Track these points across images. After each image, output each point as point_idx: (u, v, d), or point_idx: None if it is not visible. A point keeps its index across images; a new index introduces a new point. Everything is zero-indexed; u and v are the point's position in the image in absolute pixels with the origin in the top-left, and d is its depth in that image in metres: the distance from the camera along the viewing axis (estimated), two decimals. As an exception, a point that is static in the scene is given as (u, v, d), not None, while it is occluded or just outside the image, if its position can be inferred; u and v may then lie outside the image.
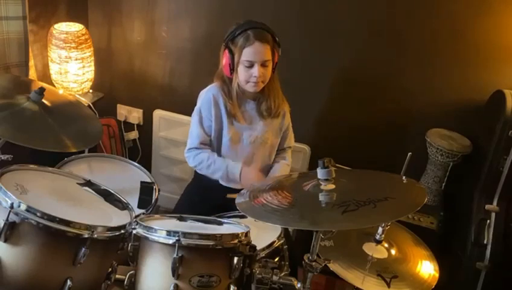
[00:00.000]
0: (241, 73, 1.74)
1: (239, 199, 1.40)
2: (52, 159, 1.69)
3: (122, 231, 1.25)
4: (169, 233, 1.20)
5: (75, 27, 2.25)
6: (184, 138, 2.53)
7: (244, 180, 1.82)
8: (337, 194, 1.29)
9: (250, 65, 1.71)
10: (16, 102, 1.52)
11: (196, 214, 1.48)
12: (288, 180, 1.60)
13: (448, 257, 2.00)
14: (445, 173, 2.14)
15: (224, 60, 1.76)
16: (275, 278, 1.32)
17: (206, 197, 1.94)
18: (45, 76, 2.33)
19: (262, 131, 1.89)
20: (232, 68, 1.74)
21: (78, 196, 1.39)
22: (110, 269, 1.28)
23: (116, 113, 2.69)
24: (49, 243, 1.13)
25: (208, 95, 1.84)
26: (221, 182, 1.92)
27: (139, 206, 1.66)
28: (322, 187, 1.32)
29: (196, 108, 1.88)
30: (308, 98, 2.31)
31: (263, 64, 1.72)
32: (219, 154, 1.90)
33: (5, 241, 1.09)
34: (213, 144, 1.90)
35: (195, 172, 2.05)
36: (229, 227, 1.41)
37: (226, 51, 1.74)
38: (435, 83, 2.18)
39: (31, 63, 2.16)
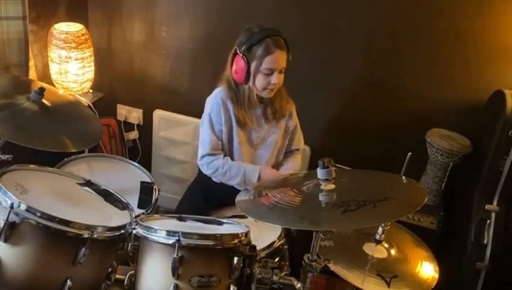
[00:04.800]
0: (260, 81, 1.74)
1: (240, 198, 1.40)
2: (52, 159, 1.69)
3: (122, 231, 1.25)
4: (169, 233, 1.20)
5: (75, 27, 2.25)
6: (184, 138, 2.56)
7: (264, 180, 1.80)
8: (337, 194, 1.29)
9: (270, 73, 1.72)
10: (16, 102, 1.52)
11: (199, 214, 1.48)
12: (294, 179, 1.61)
13: (448, 257, 1.99)
14: (445, 173, 2.13)
15: (237, 66, 1.74)
16: (275, 278, 1.32)
17: (209, 197, 1.94)
18: (45, 76, 2.33)
19: (270, 132, 1.90)
20: (248, 76, 1.73)
21: (78, 196, 1.39)
22: (110, 269, 1.28)
23: (116, 113, 2.69)
24: (49, 243, 1.13)
25: (216, 100, 1.82)
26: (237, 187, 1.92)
27: (139, 206, 1.66)
28: (322, 187, 1.32)
29: (205, 114, 1.86)
30: (308, 98, 2.31)
31: (280, 72, 1.74)
32: (231, 157, 1.89)
33: (5, 241, 1.09)
34: (225, 148, 1.89)
35: (199, 172, 2.05)
36: (229, 227, 1.41)
37: (241, 59, 1.71)
38: (435, 83, 2.18)
39: (31, 63, 2.15)
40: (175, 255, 1.17)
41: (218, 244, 1.20)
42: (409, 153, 1.60)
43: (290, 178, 1.65)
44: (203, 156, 1.86)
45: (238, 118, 1.82)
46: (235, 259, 1.22)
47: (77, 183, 1.45)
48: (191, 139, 2.54)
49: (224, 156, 1.88)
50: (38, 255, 1.12)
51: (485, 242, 1.92)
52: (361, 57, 2.23)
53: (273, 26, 1.76)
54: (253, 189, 1.45)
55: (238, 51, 1.73)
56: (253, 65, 1.71)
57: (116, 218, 1.33)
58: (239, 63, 1.73)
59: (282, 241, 1.57)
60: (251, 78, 1.74)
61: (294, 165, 1.97)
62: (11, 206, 1.09)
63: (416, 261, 1.54)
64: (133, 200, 1.65)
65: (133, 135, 2.71)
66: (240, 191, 1.49)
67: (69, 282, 1.14)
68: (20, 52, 2.01)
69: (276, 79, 1.72)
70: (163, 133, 2.60)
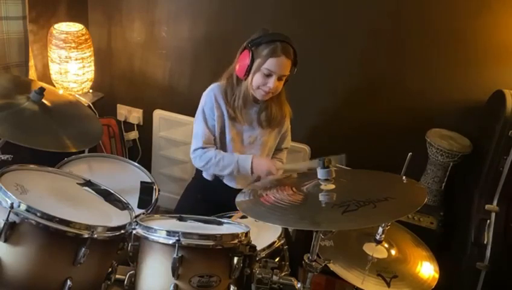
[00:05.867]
0: (257, 79, 1.74)
1: (239, 199, 1.40)
2: (52, 159, 1.69)
3: (122, 231, 1.25)
4: (169, 233, 1.20)
5: (75, 27, 2.25)
6: (184, 138, 2.56)
7: (258, 170, 1.82)
8: (337, 194, 1.29)
9: (269, 74, 1.72)
10: (16, 102, 1.52)
11: (198, 213, 1.48)
12: (293, 178, 1.61)
13: (448, 257, 2.00)
14: (445, 173, 2.13)
15: (242, 61, 1.75)
16: (275, 278, 1.32)
17: (208, 196, 1.94)
18: (45, 76, 2.33)
19: (262, 134, 1.91)
20: (249, 71, 1.74)
21: (78, 196, 1.39)
22: (110, 269, 1.28)
23: (116, 113, 2.69)
24: (49, 243, 1.13)
25: (209, 95, 1.84)
26: (226, 181, 1.93)
27: (139, 206, 1.66)
28: (322, 187, 1.32)
29: (199, 108, 1.88)
30: (309, 98, 2.31)
31: (279, 78, 1.74)
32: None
33: (5, 241, 1.09)
34: (217, 144, 1.90)
35: (196, 171, 2.05)
36: (229, 227, 1.41)
37: (248, 53, 1.73)
38: (435, 83, 2.18)
39: (31, 63, 2.15)
40: (175, 255, 1.17)
41: (218, 245, 1.20)
42: (409, 153, 1.60)
43: (290, 178, 1.65)
44: (195, 149, 1.88)
45: (230, 113, 1.83)
46: (235, 259, 1.22)
47: (77, 183, 1.45)
48: (191, 139, 2.53)
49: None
50: (38, 255, 1.12)
51: (485, 242, 1.92)
52: (361, 57, 2.23)
53: (273, 27, 1.76)
54: (252, 189, 1.45)
55: (247, 45, 1.74)
56: (256, 62, 1.72)
57: (116, 218, 1.33)
58: (244, 57, 1.75)
59: (282, 242, 1.57)
60: (251, 74, 1.75)
61: (282, 162, 2.03)
62: (11, 206, 1.09)
63: (416, 261, 1.54)
64: (133, 200, 1.65)
65: (133, 135, 2.71)
66: (238, 191, 1.49)
67: (69, 282, 1.14)
68: (20, 52, 2.01)
69: (273, 84, 1.72)
70: (163, 133, 2.60)
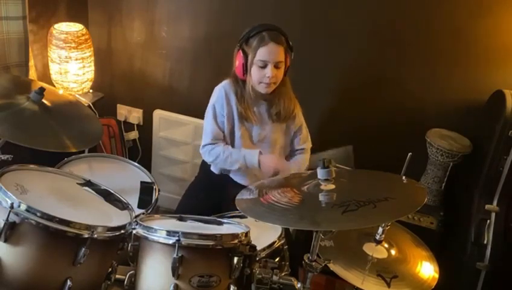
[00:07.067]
0: (255, 73, 1.75)
1: (239, 197, 1.40)
2: (52, 159, 1.69)
3: (122, 231, 1.25)
4: (169, 233, 1.20)
5: (75, 27, 2.26)
6: (184, 138, 2.56)
7: (264, 167, 1.81)
8: (337, 194, 1.29)
9: (264, 65, 1.73)
10: (16, 102, 1.52)
11: (200, 213, 1.48)
12: (294, 179, 1.60)
13: (448, 257, 2.00)
14: (445, 173, 2.13)
15: (238, 61, 1.77)
16: (275, 278, 1.32)
17: (213, 193, 1.94)
18: (45, 76, 2.33)
19: (271, 131, 1.91)
20: (246, 69, 1.75)
21: (78, 196, 1.39)
22: (110, 269, 1.28)
23: (116, 113, 2.69)
24: (49, 243, 1.13)
25: (221, 92, 1.85)
26: (234, 177, 1.93)
27: (139, 206, 1.66)
28: (322, 187, 1.32)
29: (210, 104, 1.89)
30: (309, 98, 2.29)
31: (276, 66, 1.74)
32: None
33: (5, 241, 1.09)
34: (227, 141, 1.91)
35: (201, 169, 2.05)
36: (229, 227, 1.41)
37: (240, 52, 1.75)
38: (435, 83, 2.18)
39: (31, 63, 2.15)
40: (175, 255, 1.17)
41: (218, 244, 1.20)
42: (409, 153, 1.60)
43: (290, 178, 1.65)
44: (204, 145, 1.89)
45: (241, 112, 1.84)
46: (235, 259, 1.22)
47: (77, 183, 1.45)
48: (191, 139, 2.54)
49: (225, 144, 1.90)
50: (39, 255, 1.12)
51: (485, 242, 1.92)
52: (361, 57, 2.23)
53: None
54: (256, 187, 1.45)
55: (238, 44, 1.76)
56: (249, 58, 1.74)
57: (116, 218, 1.33)
58: (238, 57, 1.76)
59: (282, 242, 1.57)
60: (248, 71, 1.76)
61: (299, 164, 1.97)
62: (11, 206, 1.09)
63: (416, 261, 1.54)
64: (133, 200, 1.65)
65: (133, 135, 2.71)
66: (241, 189, 1.49)
67: (69, 282, 1.14)
68: (20, 52, 2.01)
69: (271, 72, 1.72)
70: (163, 133, 2.60)
